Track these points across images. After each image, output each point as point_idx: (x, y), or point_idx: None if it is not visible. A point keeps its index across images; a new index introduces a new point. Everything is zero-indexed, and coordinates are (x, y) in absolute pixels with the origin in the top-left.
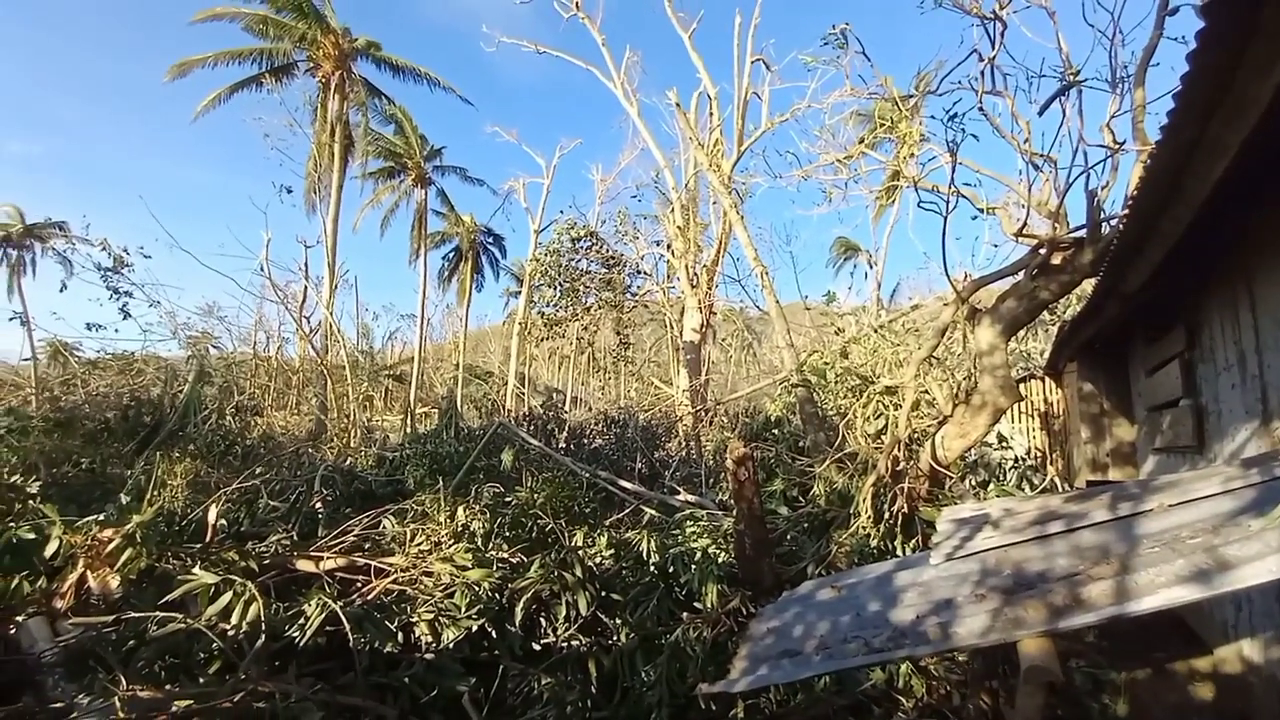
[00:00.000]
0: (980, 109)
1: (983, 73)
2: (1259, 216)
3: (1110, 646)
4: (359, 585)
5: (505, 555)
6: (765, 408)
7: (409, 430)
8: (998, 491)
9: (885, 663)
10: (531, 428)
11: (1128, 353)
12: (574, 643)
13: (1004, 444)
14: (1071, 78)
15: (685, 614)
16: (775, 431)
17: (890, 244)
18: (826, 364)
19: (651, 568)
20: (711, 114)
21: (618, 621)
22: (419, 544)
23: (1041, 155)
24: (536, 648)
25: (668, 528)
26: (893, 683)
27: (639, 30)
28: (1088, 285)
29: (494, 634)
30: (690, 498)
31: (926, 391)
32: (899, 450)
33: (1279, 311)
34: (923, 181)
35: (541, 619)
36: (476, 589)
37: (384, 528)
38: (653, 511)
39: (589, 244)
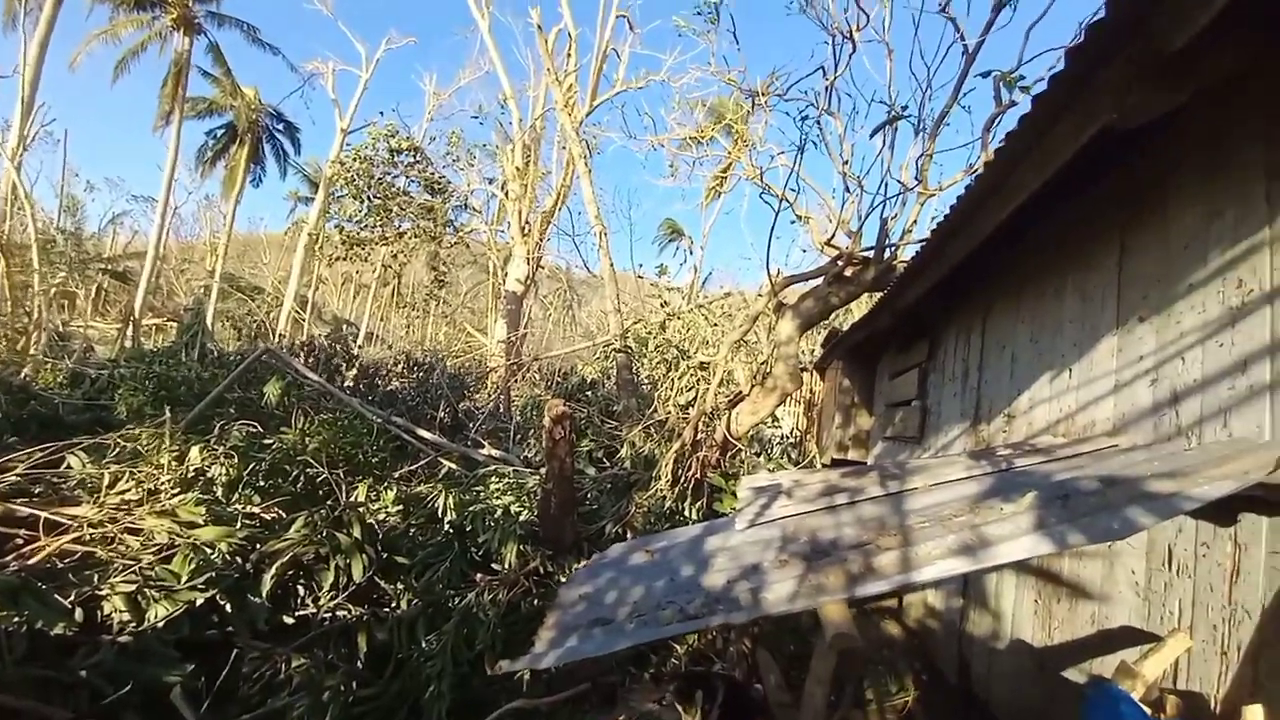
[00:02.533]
0: (818, 123)
1: (826, 89)
2: (999, 264)
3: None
4: (19, 544)
5: (256, 510)
6: (579, 370)
7: (129, 344)
8: (768, 463)
9: (701, 629)
10: (311, 360)
11: (879, 359)
12: (342, 614)
13: (776, 423)
14: (897, 112)
15: (480, 575)
16: (589, 393)
17: (711, 236)
18: (649, 333)
19: (447, 526)
20: (570, 55)
21: (399, 587)
22: (124, 491)
23: (855, 179)
24: (290, 621)
25: (468, 483)
26: None
27: None
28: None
29: (229, 608)
30: (495, 452)
31: (732, 371)
32: (703, 421)
33: (1001, 339)
34: (760, 179)
35: (300, 587)
36: (208, 552)
37: (69, 467)
38: (452, 465)
39: (411, 160)
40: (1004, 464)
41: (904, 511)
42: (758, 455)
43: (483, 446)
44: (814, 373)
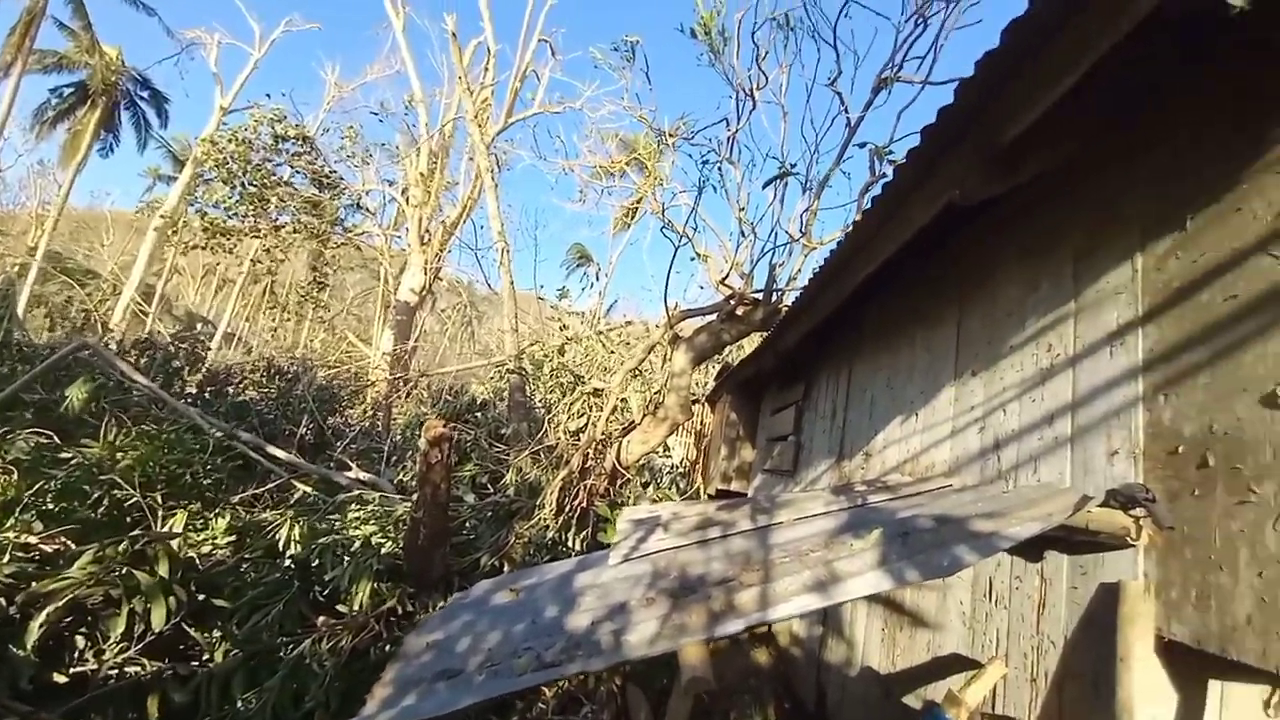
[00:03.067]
0: (719, 169)
1: (728, 139)
2: (862, 318)
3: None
4: None
5: (34, 540)
6: (473, 389)
7: None
8: (656, 493)
9: (557, 679)
10: (146, 360)
11: (763, 395)
12: (134, 669)
13: (667, 452)
14: (788, 168)
15: (322, 619)
16: (479, 414)
17: (619, 263)
18: (545, 356)
19: (288, 561)
20: (487, 69)
21: (216, 635)
22: None
23: (750, 225)
24: (62, 680)
25: (324, 510)
26: None
27: None
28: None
29: None
30: (363, 475)
31: (625, 399)
32: (593, 449)
33: (864, 383)
34: (665, 214)
35: (79, 638)
36: None
37: None
38: (308, 489)
39: (298, 149)
40: (859, 499)
41: (769, 546)
42: (646, 485)
43: (349, 468)
44: (705, 405)
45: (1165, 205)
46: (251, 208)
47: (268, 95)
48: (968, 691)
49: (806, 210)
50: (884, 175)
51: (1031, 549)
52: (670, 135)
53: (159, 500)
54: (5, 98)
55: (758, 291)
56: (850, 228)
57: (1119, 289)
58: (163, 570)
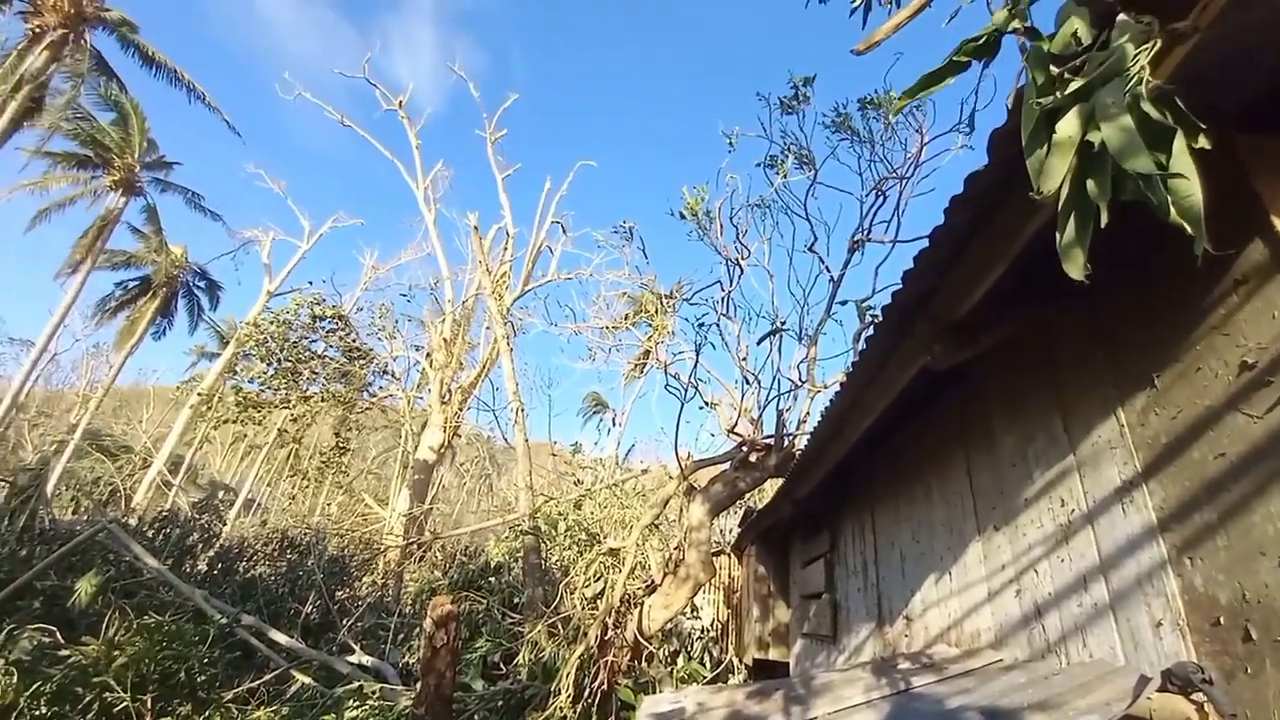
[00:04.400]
0: (718, 326)
1: (723, 299)
2: (877, 464)
3: None
4: None
5: None
6: (488, 549)
7: None
8: (685, 667)
9: None
10: (163, 537)
11: (790, 544)
12: None
13: (695, 614)
14: (779, 325)
15: None
16: (492, 580)
17: (634, 409)
18: (560, 514)
19: None
20: (506, 248)
21: None
22: None
23: (753, 374)
24: None
25: (320, 706)
26: None
27: (451, 151)
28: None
29: None
30: (366, 660)
31: (644, 558)
32: (611, 617)
33: (889, 535)
34: (670, 368)
35: None
36: None
37: None
38: (308, 679)
39: (333, 326)
40: (901, 682)
41: None
42: (675, 654)
43: (353, 651)
44: (732, 556)
45: (1133, 364)
46: (284, 381)
47: (309, 282)
48: None
49: (805, 360)
50: (873, 322)
51: None
52: (670, 297)
53: (148, 704)
54: (71, 290)
55: (769, 437)
56: (841, 386)
57: (1112, 443)
58: None
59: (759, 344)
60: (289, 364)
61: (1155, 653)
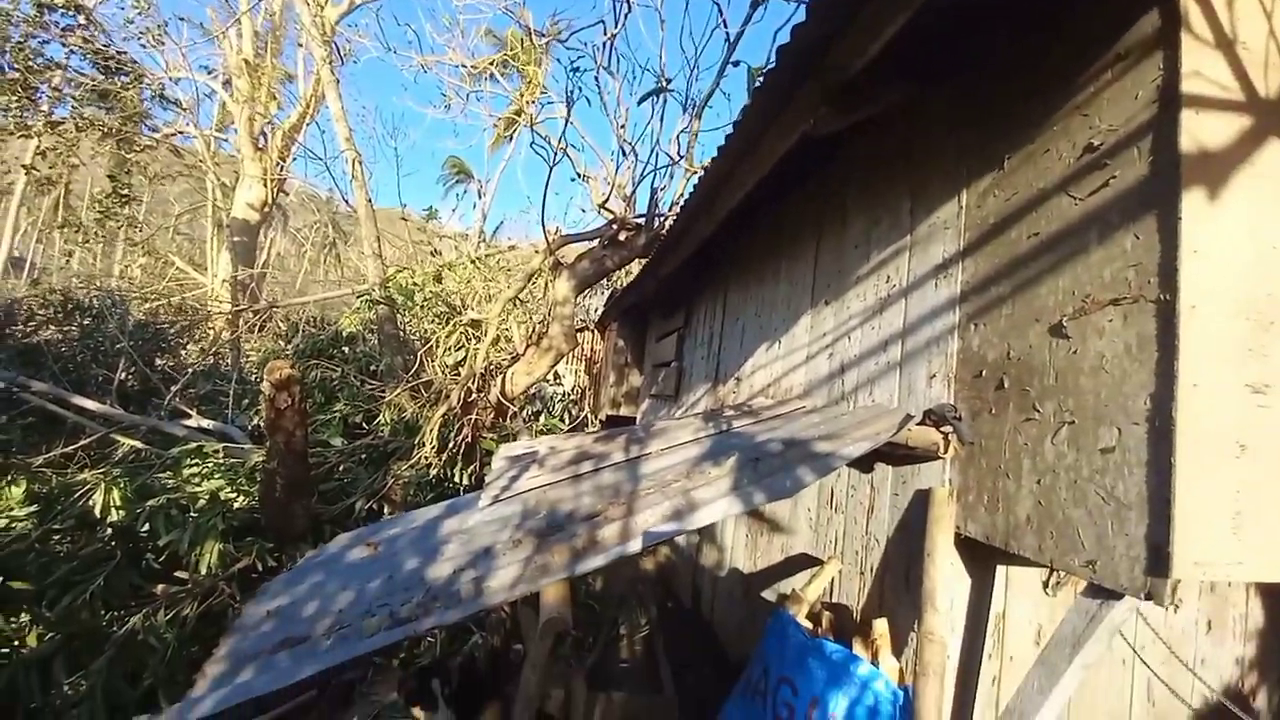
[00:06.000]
0: (596, 79)
1: (605, 44)
2: (735, 248)
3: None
4: None
5: None
6: (339, 321)
7: None
8: (546, 421)
9: (411, 635)
10: None
11: (649, 322)
12: None
13: (558, 380)
14: (664, 84)
15: (161, 587)
16: (345, 349)
17: (501, 181)
18: (417, 284)
19: (109, 528)
20: None
21: (24, 619)
22: None
23: (629, 144)
24: None
25: (156, 466)
26: None
27: None
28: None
29: None
30: (206, 423)
31: (507, 329)
32: (473, 382)
33: (736, 312)
34: (538, 126)
35: None
36: None
37: None
38: (136, 443)
39: (70, 22)
40: (724, 425)
41: (637, 477)
42: (537, 414)
43: (188, 416)
44: (595, 331)
45: (989, 145)
46: (16, 99)
47: None
48: (808, 589)
49: (686, 131)
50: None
51: (864, 462)
52: (544, 35)
53: None
54: None
55: (640, 216)
56: (715, 158)
57: (947, 224)
58: None
59: (640, 104)
60: (17, 73)
61: (924, 399)
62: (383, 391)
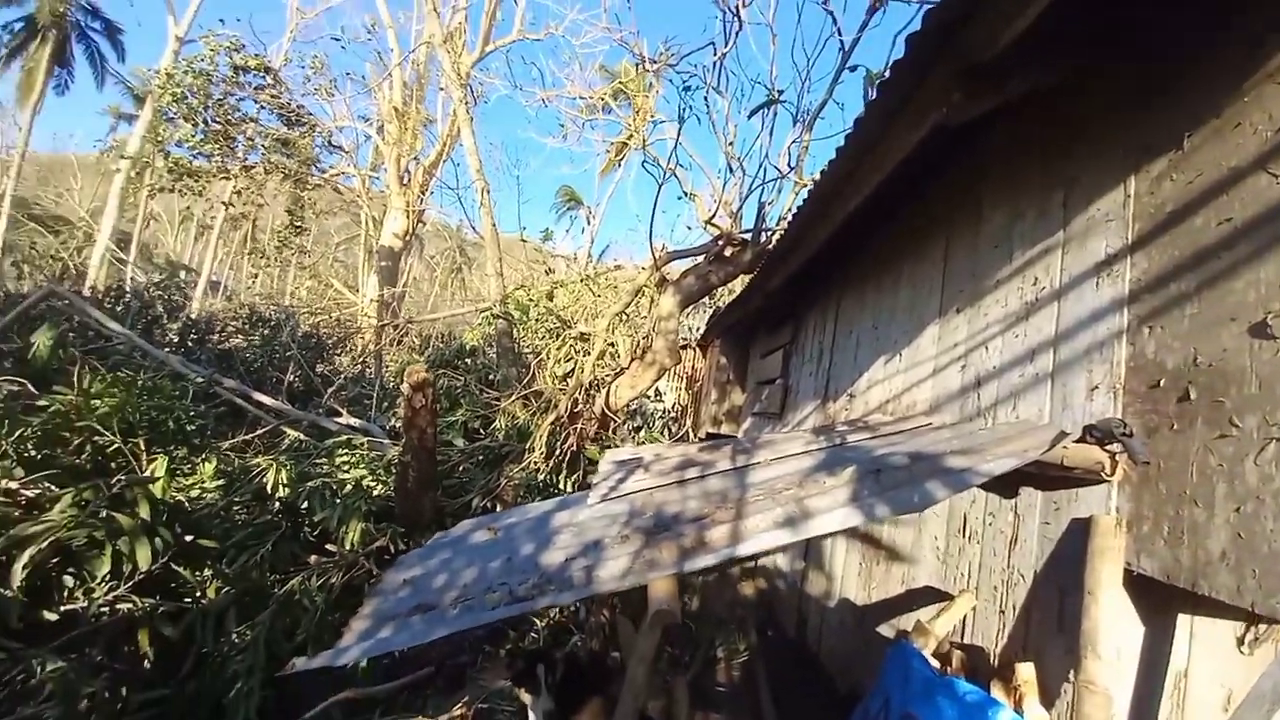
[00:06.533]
0: (705, 99)
1: (715, 63)
2: (851, 256)
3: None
4: None
5: (14, 486)
6: (463, 336)
7: None
8: (646, 436)
9: (527, 611)
10: (121, 308)
11: (753, 339)
12: (125, 606)
13: (658, 397)
14: (775, 96)
15: (314, 557)
16: (468, 361)
17: (609, 205)
18: (532, 300)
19: (276, 503)
20: None
21: (207, 574)
22: None
23: (738, 159)
24: (53, 618)
25: (314, 454)
26: None
27: None
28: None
29: None
30: (354, 422)
31: (613, 344)
32: (580, 393)
33: (850, 324)
34: (648, 147)
35: (68, 578)
36: None
37: None
38: (299, 435)
39: (260, 82)
40: (838, 439)
41: (745, 485)
42: (638, 430)
43: (339, 414)
44: (696, 350)
45: (1162, 124)
46: (217, 146)
47: (221, 20)
48: (936, 623)
49: (796, 143)
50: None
51: (1006, 486)
52: (655, 62)
53: (141, 446)
54: None
55: (746, 231)
56: (833, 160)
57: (1110, 216)
58: (144, 513)
59: (750, 118)
60: (218, 126)
61: (1082, 413)
62: (498, 399)
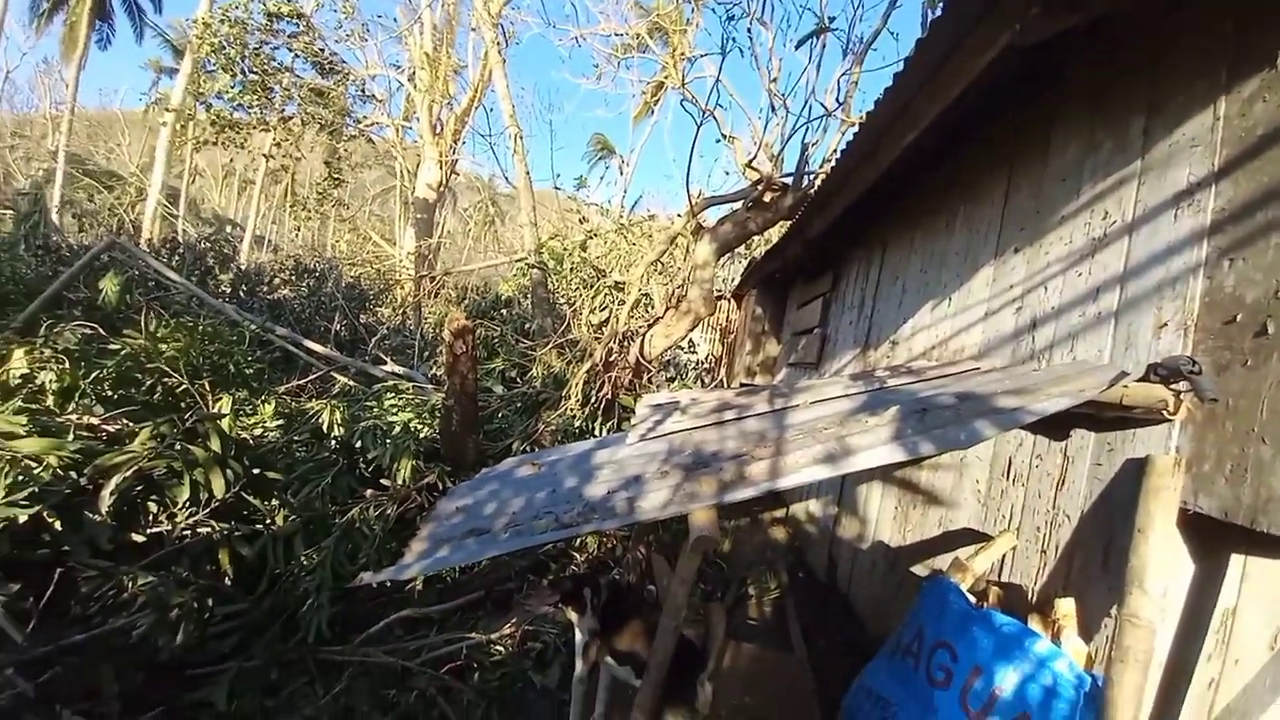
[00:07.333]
0: (749, 31)
1: None
2: (899, 199)
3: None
4: None
5: (97, 422)
6: (498, 287)
7: None
8: (680, 386)
9: (573, 536)
10: (176, 260)
11: (790, 289)
12: (205, 530)
13: (692, 348)
14: (825, 24)
15: (370, 491)
16: (504, 311)
17: (643, 155)
18: (566, 250)
19: (333, 442)
20: None
21: (274, 503)
22: None
23: (781, 97)
24: (140, 539)
25: (363, 399)
26: (571, 541)
27: None
28: (774, 231)
29: (59, 526)
30: (398, 369)
31: (648, 293)
32: (615, 342)
33: (896, 270)
34: (686, 86)
35: (152, 504)
36: (32, 466)
37: None
38: (348, 380)
39: (294, 29)
40: (878, 384)
41: (783, 426)
42: (672, 380)
43: (385, 362)
44: (731, 300)
45: (1256, 38)
46: (256, 97)
47: None
48: (975, 560)
49: (846, 76)
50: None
51: (1058, 427)
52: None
53: (207, 387)
54: None
55: (787, 175)
56: (889, 88)
57: (1195, 141)
58: (215, 446)
59: (797, 48)
60: (256, 76)
61: (1148, 353)
62: (534, 349)
